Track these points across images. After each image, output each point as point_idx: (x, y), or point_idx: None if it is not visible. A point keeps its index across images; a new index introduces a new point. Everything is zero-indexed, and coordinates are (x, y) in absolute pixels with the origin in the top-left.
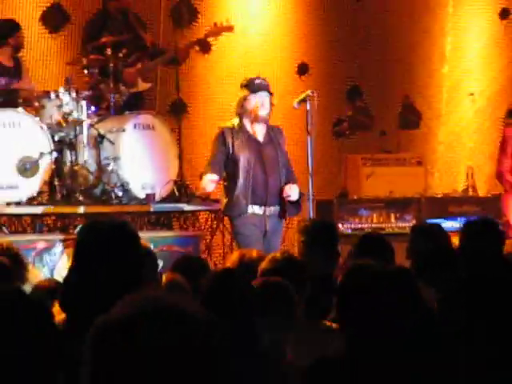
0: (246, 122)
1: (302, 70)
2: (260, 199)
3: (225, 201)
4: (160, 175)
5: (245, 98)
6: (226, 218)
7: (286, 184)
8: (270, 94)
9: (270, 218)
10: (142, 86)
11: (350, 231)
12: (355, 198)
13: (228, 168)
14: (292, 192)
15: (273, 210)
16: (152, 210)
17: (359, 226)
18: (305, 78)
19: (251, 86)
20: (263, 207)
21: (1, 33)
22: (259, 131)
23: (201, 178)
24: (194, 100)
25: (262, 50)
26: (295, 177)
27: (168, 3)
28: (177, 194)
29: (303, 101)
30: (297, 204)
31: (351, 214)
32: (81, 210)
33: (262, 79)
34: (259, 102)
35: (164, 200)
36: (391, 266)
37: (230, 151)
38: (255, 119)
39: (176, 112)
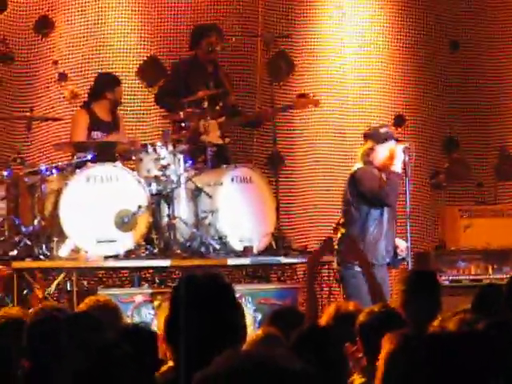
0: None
1: (399, 121)
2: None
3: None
4: (258, 228)
5: (371, 149)
6: (323, 270)
7: None
8: (397, 140)
9: (382, 267)
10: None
11: (447, 283)
12: (452, 249)
13: (352, 216)
14: (404, 248)
15: (385, 260)
16: (249, 262)
17: (456, 277)
18: (401, 130)
19: (377, 137)
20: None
21: (99, 87)
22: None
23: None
24: (291, 152)
25: (358, 102)
26: None
27: (265, 57)
28: (274, 246)
29: None
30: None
31: (448, 266)
32: (178, 263)
33: (387, 127)
34: (388, 154)
35: (262, 253)
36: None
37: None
38: (385, 170)
39: (273, 164)
